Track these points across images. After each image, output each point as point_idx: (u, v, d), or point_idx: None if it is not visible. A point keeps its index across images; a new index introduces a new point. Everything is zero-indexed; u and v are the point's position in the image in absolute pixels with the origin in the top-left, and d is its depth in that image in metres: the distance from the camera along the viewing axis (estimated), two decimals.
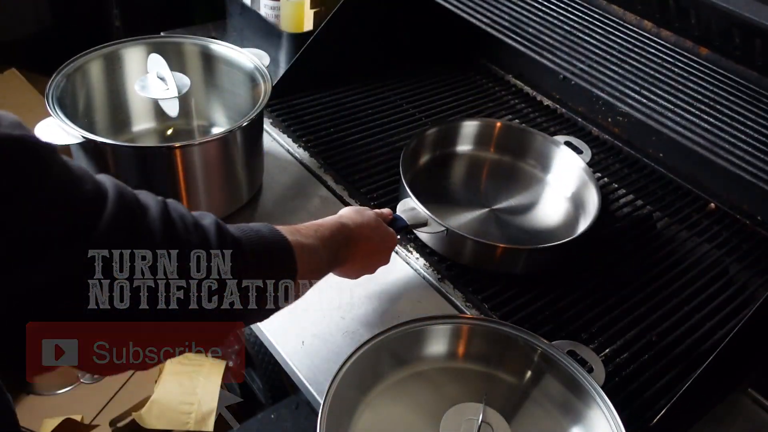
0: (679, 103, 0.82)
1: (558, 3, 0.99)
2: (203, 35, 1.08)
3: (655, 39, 0.92)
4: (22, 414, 1.30)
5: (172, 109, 1.02)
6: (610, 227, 1.04)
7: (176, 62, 1.02)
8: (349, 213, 0.78)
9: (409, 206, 0.91)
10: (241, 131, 0.92)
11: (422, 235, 0.95)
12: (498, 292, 0.91)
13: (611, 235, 1.03)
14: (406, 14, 1.30)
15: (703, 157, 0.78)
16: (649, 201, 1.11)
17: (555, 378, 0.74)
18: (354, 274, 0.81)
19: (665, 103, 0.82)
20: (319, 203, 1.03)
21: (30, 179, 0.41)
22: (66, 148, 0.86)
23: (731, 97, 0.82)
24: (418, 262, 0.94)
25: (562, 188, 1.09)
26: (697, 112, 0.81)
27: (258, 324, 0.77)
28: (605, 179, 1.15)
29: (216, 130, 1.09)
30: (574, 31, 0.94)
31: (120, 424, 1.38)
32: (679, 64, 0.87)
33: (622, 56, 0.89)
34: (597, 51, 0.90)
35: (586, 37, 0.92)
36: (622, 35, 0.93)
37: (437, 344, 0.78)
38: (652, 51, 0.90)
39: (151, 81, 0.97)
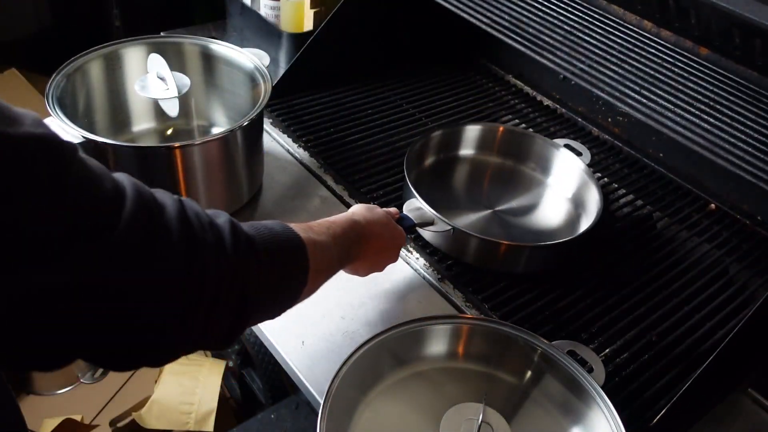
0: (679, 103, 0.82)
1: (558, 3, 0.99)
2: (203, 35, 1.08)
3: (655, 39, 0.92)
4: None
5: (172, 109, 1.02)
6: (610, 227, 1.04)
7: (176, 62, 1.02)
8: (360, 210, 0.78)
9: (415, 206, 0.92)
10: (241, 131, 0.92)
11: (426, 233, 0.96)
12: (498, 292, 0.91)
13: (611, 235, 1.03)
14: (406, 14, 1.30)
15: (703, 157, 0.78)
16: (649, 201, 1.11)
17: (555, 378, 0.74)
18: (364, 272, 0.81)
19: (665, 103, 0.82)
20: (319, 203, 1.03)
21: (51, 178, 0.41)
22: None
23: (731, 97, 0.82)
24: (418, 262, 0.94)
25: (563, 190, 1.09)
26: (697, 112, 0.81)
27: (258, 324, 0.77)
28: (605, 179, 1.15)
29: (216, 130, 1.09)
30: (574, 31, 0.94)
31: (120, 424, 1.39)
32: (679, 64, 0.87)
33: (622, 56, 0.89)
34: (597, 51, 0.90)
35: (586, 37, 0.92)
36: (622, 35, 0.93)
37: (437, 344, 0.78)
38: (652, 51, 0.90)
39: (151, 81, 0.97)
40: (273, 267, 0.56)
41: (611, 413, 0.68)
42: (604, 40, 0.92)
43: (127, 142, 1.03)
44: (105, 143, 0.85)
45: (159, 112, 1.07)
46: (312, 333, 0.83)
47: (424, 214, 0.91)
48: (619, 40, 0.92)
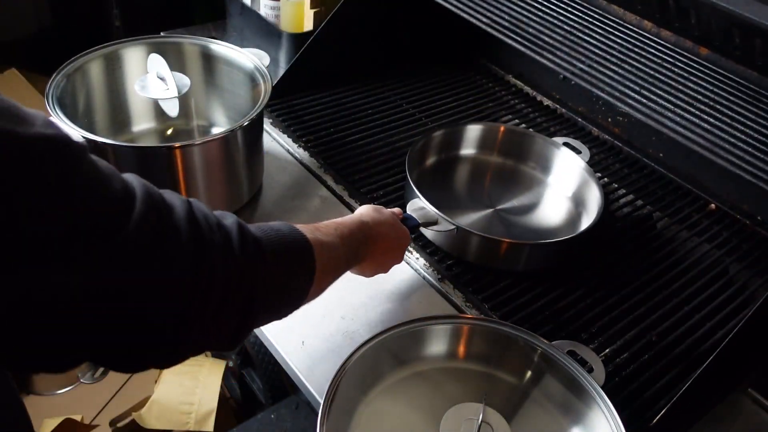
0: (679, 103, 0.82)
1: (558, 3, 0.99)
2: (203, 35, 1.08)
3: (655, 39, 0.92)
4: None
5: (172, 109, 1.02)
6: (610, 227, 1.05)
7: (176, 62, 1.02)
8: (368, 211, 0.78)
9: (419, 206, 0.92)
10: (241, 131, 0.92)
11: (429, 233, 0.96)
12: (498, 291, 0.91)
13: (611, 235, 1.03)
14: (406, 14, 1.30)
15: (703, 157, 0.78)
16: (649, 201, 1.11)
17: (555, 378, 0.74)
18: (370, 272, 0.81)
19: (665, 103, 0.82)
20: (319, 203, 1.03)
21: (61, 178, 0.41)
22: None
23: (731, 97, 0.82)
24: (418, 262, 0.94)
25: (564, 188, 1.09)
26: (697, 112, 0.81)
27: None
28: (605, 179, 1.15)
29: (216, 130, 1.09)
30: (574, 31, 0.94)
31: (120, 424, 1.39)
32: (679, 64, 0.87)
33: (622, 56, 0.89)
34: (597, 51, 0.90)
35: (586, 37, 0.92)
36: (622, 35, 0.93)
37: (437, 344, 0.78)
38: (652, 51, 0.90)
39: (151, 81, 0.97)
40: (280, 268, 0.56)
41: (611, 413, 0.68)
42: (604, 40, 0.92)
43: (127, 142, 1.03)
44: (105, 143, 0.85)
45: (159, 112, 1.07)
46: (312, 333, 0.83)
47: (428, 214, 0.92)
48: (619, 40, 0.92)
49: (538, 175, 1.12)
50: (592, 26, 0.94)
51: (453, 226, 0.91)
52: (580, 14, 0.97)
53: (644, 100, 0.83)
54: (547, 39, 0.93)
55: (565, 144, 1.11)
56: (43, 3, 1.88)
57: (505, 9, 0.98)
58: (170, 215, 0.48)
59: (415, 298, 0.90)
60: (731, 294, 0.95)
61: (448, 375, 0.76)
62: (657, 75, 0.86)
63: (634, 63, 0.88)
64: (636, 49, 0.90)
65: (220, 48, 1.03)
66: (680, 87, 0.84)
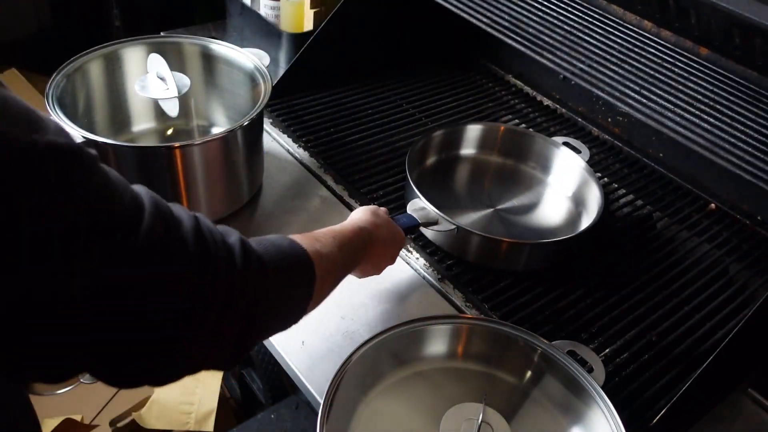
0: (679, 103, 0.82)
1: (558, 3, 0.99)
2: (203, 35, 1.08)
3: (655, 39, 0.92)
4: None
5: (172, 109, 1.02)
6: (610, 227, 1.04)
7: (176, 62, 1.02)
8: (366, 216, 0.78)
9: (419, 206, 0.93)
10: (241, 131, 0.92)
11: (429, 232, 0.96)
12: (498, 291, 0.91)
13: (611, 235, 1.03)
14: (406, 14, 1.30)
15: (703, 157, 0.78)
16: (649, 201, 1.11)
17: (555, 378, 0.74)
18: (363, 275, 0.82)
19: (665, 103, 0.82)
20: (319, 203, 1.03)
21: (71, 188, 0.41)
22: None
23: (731, 97, 0.82)
24: (418, 262, 0.94)
25: (564, 188, 1.09)
26: (697, 112, 0.81)
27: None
28: (605, 179, 1.15)
29: (216, 130, 1.09)
30: (574, 31, 0.94)
31: (120, 424, 1.38)
32: (679, 64, 0.87)
33: (622, 56, 0.89)
34: (597, 51, 0.90)
35: (586, 37, 0.92)
36: (622, 35, 0.93)
37: (437, 344, 0.78)
38: (652, 51, 0.90)
39: (151, 81, 0.97)
40: (281, 283, 0.57)
41: (611, 413, 0.68)
42: (604, 40, 0.92)
43: (127, 142, 1.03)
44: (105, 143, 0.85)
45: (159, 112, 1.07)
46: (312, 333, 0.83)
47: (428, 214, 0.92)
48: (619, 40, 0.92)
49: (538, 175, 1.12)
50: (592, 26, 0.94)
51: (453, 226, 0.91)
52: (580, 14, 0.97)
53: (644, 100, 0.83)
54: (547, 39, 0.93)
55: (565, 144, 1.11)
56: (43, 3, 1.88)
57: (505, 9, 0.98)
58: (178, 228, 0.48)
59: (415, 298, 0.90)
60: (731, 294, 0.95)
61: (448, 375, 0.76)
62: (657, 75, 0.86)
63: (634, 63, 0.88)
64: (636, 49, 0.90)
65: (220, 48, 1.03)
66: (680, 87, 0.84)
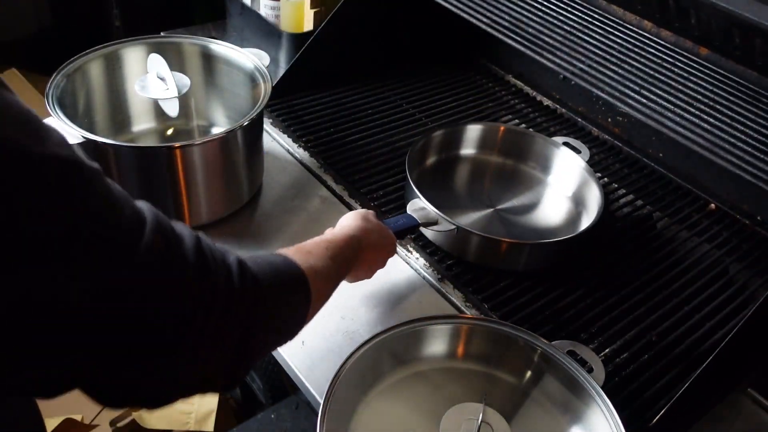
0: (679, 103, 0.82)
1: (558, 3, 0.99)
2: (203, 35, 1.08)
3: (655, 39, 0.92)
4: None
5: (172, 109, 1.02)
6: (610, 227, 1.05)
7: (176, 62, 1.02)
8: (357, 222, 0.78)
9: (419, 206, 0.93)
10: (241, 131, 0.92)
11: (428, 232, 0.96)
12: (498, 291, 0.91)
13: (611, 235, 1.03)
14: (406, 14, 1.30)
15: (703, 157, 0.78)
16: (649, 201, 1.11)
17: (555, 378, 0.74)
18: (354, 280, 0.82)
19: (665, 103, 0.82)
20: (319, 203, 1.03)
21: (72, 193, 0.41)
22: None
23: (731, 97, 0.82)
24: (418, 262, 0.94)
25: (564, 188, 1.09)
26: (697, 112, 0.81)
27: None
28: (605, 179, 1.15)
29: (216, 130, 1.09)
30: (574, 31, 0.94)
31: (120, 424, 1.38)
32: (679, 64, 0.87)
33: (622, 56, 0.89)
34: (597, 51, 0.90)
35: (586, 37, 0.92)
36: (622, 35, 0.93)
37: (437, 344, 0.78)
38: (652, 51, 0.90)
39: (151, 81, 0.97)
40: (276, 305, 0.57)
41: (611, 413, 0.68)
42: (604, 40, 0.92)
43: (127, 142, 1.03)
44: (105, 143, 0.85)
45: (159, 112, 1.07)
46: (312, 333, 0.83)
47: (428, 214, 0.92)
48: (619, 40, 0.92)
49: (538, 175, 1.12)
50: (592, 26, 0.94)
51: (453, 226, 0.91)
52: (580, 14, 0.97)
53: (644, 100, 0.83)
54: (547, 39, 0.93)
55: (565, 144, 1.11)
56: (43, 3, 1.88)
57: (505, 9, 0.98)
58: (179, 244, 0.48)
59: (415, 298, 0.90)
60: (731, 294, 0.95)
61: (448, 375, 0.76)
62: (657, 75, 0.86)
63: (634, 63, 0.88)
64: (636, 49, 0.90)
65: (220, 48, 1.03)
66: (680, 87, 0.84)
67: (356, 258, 0.75)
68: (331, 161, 1.10)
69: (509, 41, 0.94)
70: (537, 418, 0.73)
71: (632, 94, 0.84)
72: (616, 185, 1.14)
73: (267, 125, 1.16)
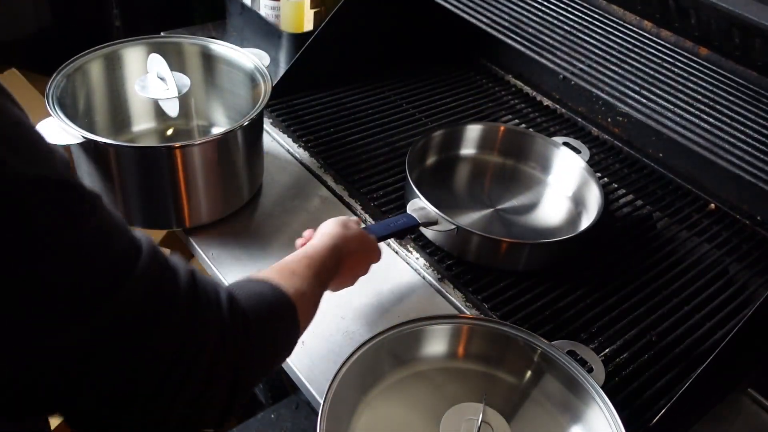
0: (679, 103, 0.82)
1: (558, 3, 0.99)
2: (203, 35, 1.08)
3: (655, 39, 0.92)
4: None
5: (172, 109, 1.02)
6: (610, 227, 1.05)
7: (176, 62, 1.02)
8: (337, 230, 0.76)
9: (419, 206, 0.93)
10: (241, 131, 0.92)
11: (428, 232, 0.96)
12: (498, 291, 0.91)
13: (611, 235, 1.03)
14: (405, 14, 1.30)
15: (703, 157, 0.78)
16: (649, 201, 1.11)
17: (555, 378, 0.74)
18: (337, 288, 0.80)
19: (665, 103, 0.82)
20: (319, 203, 1.03)
21: (72, 225, 0.41)
22: (66, 149, 0.87)
23: (731, 97, 0.82)
24: (418, 262, 0.94)
25: (564, 188, 1.09)
26: (697, 112, 0.81)
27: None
28: (605, 179, 1.15)
29: (216, 130, 1.09)
30: (574, 31, 0.94)
31: None
32: (679, 64, 0.88)
33: (622, 56, 0.89)
34: (597, 51, 0.90)
35: (586, 37, 0.92)
36: (622, 35, 0.93)
37: (437, 344, 0.78)
38: (652, 51, 0.90)
39: (151, 81, 0.97)
40: (266, 339, 0.57)
41: (611, 413, 0.68)
42: (604, 40, 0.92)
43: (127, 142, 1.03)
44: (105, 143, 0.85)
45: (159, 112, 1.07)
46: (312, 333, 0.82)
47: (428, 214, 0.92)
48: (619, 40, 0.92)
49: (538, 175, 1.12)
50: (592, 26, 0.94)
51: (453, 226, 0.91)
52: (580, 14, 0.97)
53: (644, 100, 0.83)
54: (547, 39, 0.93)
55: (565, 144, 1.11)
56: (43, 3, 1.87)
57: (505, 9, 0.98)
58: (174, 277, 0.48)
59: (415, 298, 0.90)
60: (731, 294, 0.95)
61: (448, 375, 0.76)
62: (657, 75, 0.86)
63: (634, 63, 0.88)
64: (636, 49, 0.90)
65: (220, 48, 1.03)
66: (680, 87, 0.84)
67: (337, 269, 0.74)
68: (331, 161, 1.10)
69: (509, 41, 0.94)
70: (537, 418, 0.73)
71: (632, 94, 0.84)
72: (616, 185, 1.14)
73: (267, 125, 1.16)
